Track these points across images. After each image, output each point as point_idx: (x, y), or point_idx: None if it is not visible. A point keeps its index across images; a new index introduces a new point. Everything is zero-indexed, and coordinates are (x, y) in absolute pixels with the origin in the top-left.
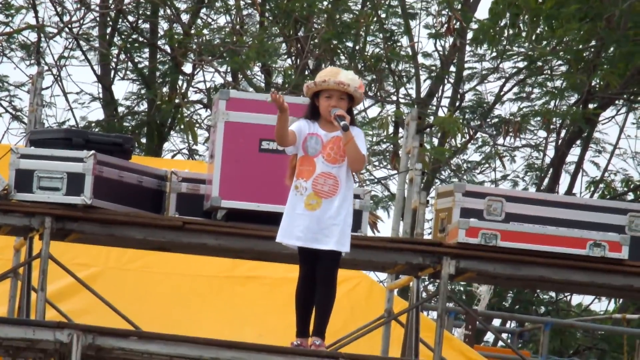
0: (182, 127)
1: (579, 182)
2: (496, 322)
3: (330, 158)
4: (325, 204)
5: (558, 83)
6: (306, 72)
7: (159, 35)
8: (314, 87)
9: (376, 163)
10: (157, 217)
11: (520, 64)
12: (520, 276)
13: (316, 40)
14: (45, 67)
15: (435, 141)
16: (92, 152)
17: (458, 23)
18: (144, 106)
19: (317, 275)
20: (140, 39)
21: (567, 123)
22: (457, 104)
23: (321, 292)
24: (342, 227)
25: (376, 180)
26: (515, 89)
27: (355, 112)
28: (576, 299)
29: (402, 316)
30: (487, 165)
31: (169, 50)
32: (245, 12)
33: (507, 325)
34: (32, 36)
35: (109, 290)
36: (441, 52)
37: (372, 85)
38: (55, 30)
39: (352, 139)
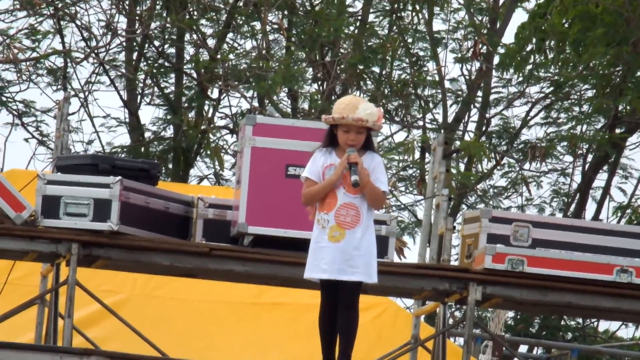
0: (208, 152)
1: (605, 208)
2: (523, 349)
3: (351, 189)
4: (349, 235)
5: (585, 108)
6: (332, 97)
7: (185, 60)
8: (332, 122)
9: (402, 189)
10: (184, 243)
11: (547, 89)
12: (547, 302)
13: (342, 65)
14: (72, 93)
15: (462, 166)
16: (119, 178)
17: (484, 47)
18: (170, 131)
19: (340, 302)
20: (167, 64)
21: (593, 148)
22: (484, 128)
23: (344, 318)
24: (367, 258)
25: (403, 206)
26: (542, 114)
27: (380, 137)
28: (603, 325)
29: (428, 342)
30: (513, 190)
31: (195, 76)
32: (271, 37)
33: (534, 351)
34: (59, 61)
35: (135, 316)
36: (467, 77)
37: (399, 110)
38: (82, 56)
39: (368, 182)
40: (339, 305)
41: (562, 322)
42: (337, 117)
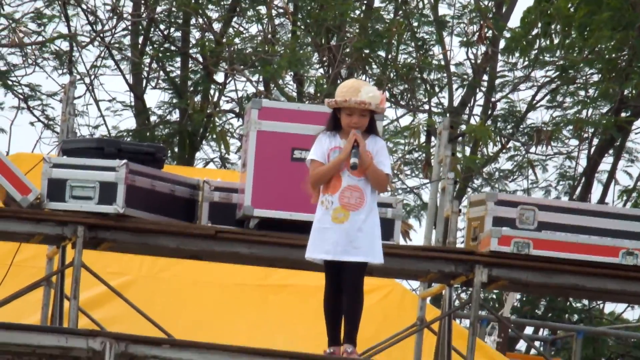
0: (214, 136)
1: (611, 191)
2: (528, 330)
3: (355, 171)
4: (353, 217)
5: (590, 92)
6: (338, 81)
7: (191, 44)
8: (335, 105)
9: (408, 172)
10: (190, 226)
11: (553, 73)
12: (553, 284)
13: (348, 50)
14: (78, 76)
15: (468, 150)
16: (125, 161)
17: (490, 31)
18: (176, 115)
19: (343, 283)
20: (172, 47)
21: (599, 131)
22: (489, 112)
23: (348, 300)
24: (370, 239)
25: (408, 189)
26: (548, 98)
27: (386, 121)
28: (609, 307)
29: (434, 324)
30: (519, 173)
31: (200, 59)
32: (277, 21)
33: (540, 333)
34: (65, 45)
35: (141, 298)
36: (473, 61)
37: (404, 94)
38: (88, 40)
39: (370, 164)
40: (344, 287)
41: (568, 304)
42: (340, 100)
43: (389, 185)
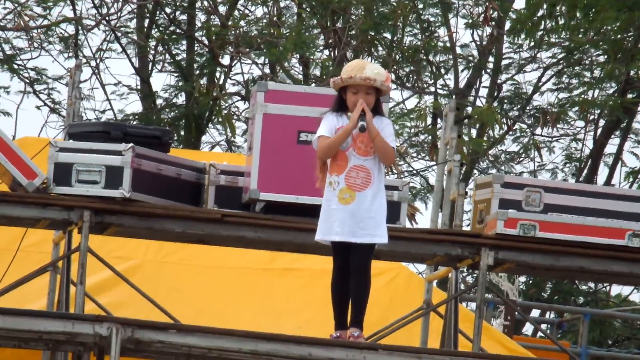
0: (220, 119)
1: (618, 173)
2: (535, 313)
3: (361, 151)
4: (360, 197)
5: (596, 73)
6: (344, 64)
7: (197, 27)
8: (340, 83)
9: (414, 154)
10: (196, 210)
11: (558, 55)
12: (559, 267)
13: (353, 32)
14: (84, 60)
15: (474, 132)
16: (131, 145)
17: (495, 13)
18: (182, 98)
19: (351, 266)
20: (178, 31)
21: (605, 113)
22: (495, 94)
23: (356, 283)
24: (377, 219)
25: (415, 171)
26: (554, 79)
27: (392, 103)
28: (615, 289)
29: (441, 307)
30: (525, 155)
31: (206, 42)
32: (282, 4)
33: (546, 315)
34: (70, 29)
35: (147, 283)
36: (478, 42)
37: (410, 76)
38: (93, 23)
39: (378, 134)
40: (351, 269)
41: (574, 287)
42: (346, 77)
43: (395, 166)
